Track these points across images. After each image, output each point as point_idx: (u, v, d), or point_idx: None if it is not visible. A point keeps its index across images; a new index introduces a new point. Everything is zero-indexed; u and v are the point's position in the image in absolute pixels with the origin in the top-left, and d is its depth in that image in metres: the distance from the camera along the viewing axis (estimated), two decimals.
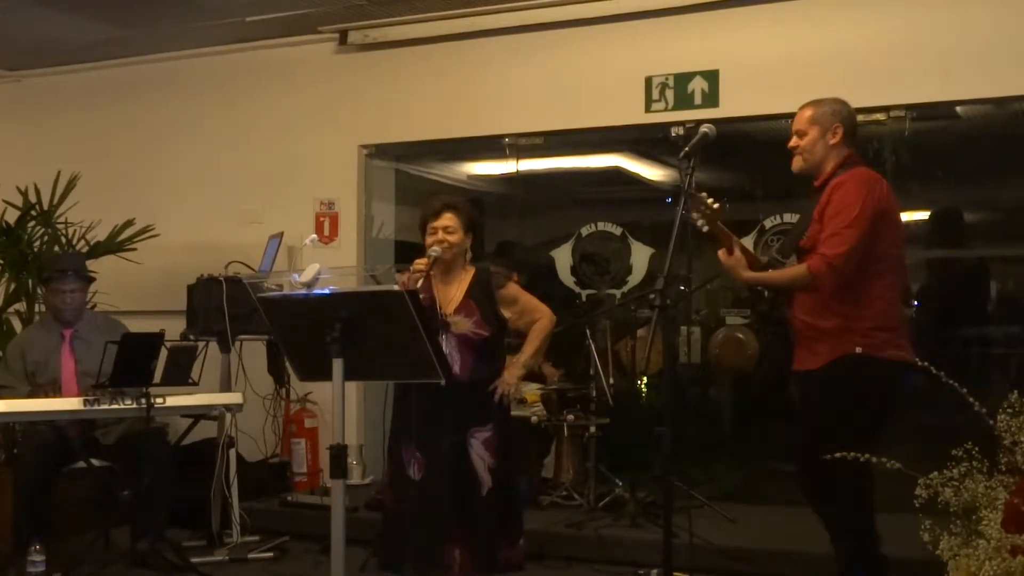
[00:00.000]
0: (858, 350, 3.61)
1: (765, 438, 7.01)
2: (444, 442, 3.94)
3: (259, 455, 6.43)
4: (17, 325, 6.24)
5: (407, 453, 4.03)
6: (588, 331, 6.08)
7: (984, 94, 5.66)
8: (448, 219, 4.04)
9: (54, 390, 5.11)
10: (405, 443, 4.05)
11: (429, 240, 4.05)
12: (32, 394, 5.02)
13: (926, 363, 3.31)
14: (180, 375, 5.08)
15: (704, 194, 3.68)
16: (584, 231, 7.01)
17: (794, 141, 3.89)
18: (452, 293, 4.06)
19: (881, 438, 3.57)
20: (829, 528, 3.79)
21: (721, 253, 3.84)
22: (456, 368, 3.92)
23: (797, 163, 3.89)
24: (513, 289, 4.17)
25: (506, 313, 4.10)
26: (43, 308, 6.16)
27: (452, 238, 4.03)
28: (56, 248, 6.25)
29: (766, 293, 4.02)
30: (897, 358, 3.65)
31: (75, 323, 5.35)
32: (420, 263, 3.97)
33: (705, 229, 3.73)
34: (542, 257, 7.21)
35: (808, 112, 3.87)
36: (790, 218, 6.29)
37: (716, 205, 3.68)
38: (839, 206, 3.66)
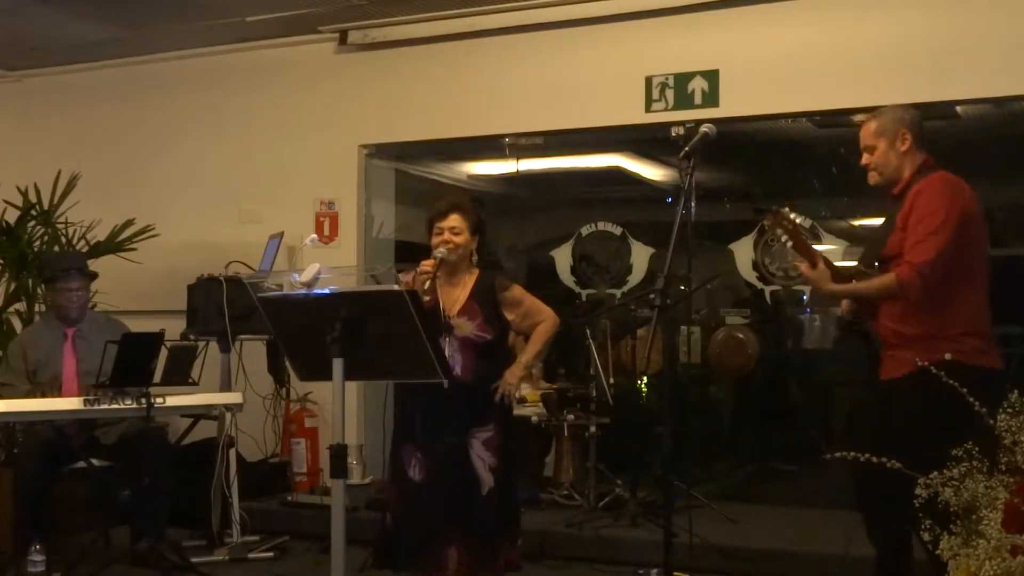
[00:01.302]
0: (948, 356, 3.48)
1: (765, 438, 7.02)
2: (445, 443, 3.94)
3: (259, 455, 6.42)
4: (17, 325, 6.24)
5: (407, 453, 4.03)
6: (588, 331, 6.08)
7: (984, 94, 5.65)
8: (455, 220, 4.04)
9: (55, 389, 5.11)
10: (406, 443, 4.06)
11: (435, 241, 4.05)
12: (31, 393, 5.01)
13: (925, 363, 3.29)
14: (180, 375, 5.09)
15: (787, 209, 3.61)
16: (584, 231, 7.01)
17: (865, 159, 3.79)
18: (456, 295, 4.06)
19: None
20: (876, 535, 3.70)
21: (804, 267, 3.75)
22: (458, 370, 3.92)
23: (873, 178, 3.80)
24: (517, 292, 4.16)
25: (509, 316, 4.09)
26: (43, 308, 6.17)
27: (458, 239, 4.02)
28: (56, 248, 6.25)
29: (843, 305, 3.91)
30: (988, 364, 3.57)
31: (79, 322, 5.35)
32: (427, 265, 3.97)
33: (789, 245, 3.66)
34: (542, 257, 7.21)
35: (872, 125, 3.78)
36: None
37: (799, 220, 3.63)
38: (923, 212, 3.58)
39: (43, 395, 4.97)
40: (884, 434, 3.61)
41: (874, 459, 2.88)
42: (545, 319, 4.15)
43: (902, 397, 3.64)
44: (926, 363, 3.38)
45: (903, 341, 3.64)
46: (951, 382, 3.00)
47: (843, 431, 6.81)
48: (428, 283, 3.89)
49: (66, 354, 5.27)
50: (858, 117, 3.85)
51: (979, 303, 3.66)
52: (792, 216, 3.63)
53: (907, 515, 3.45)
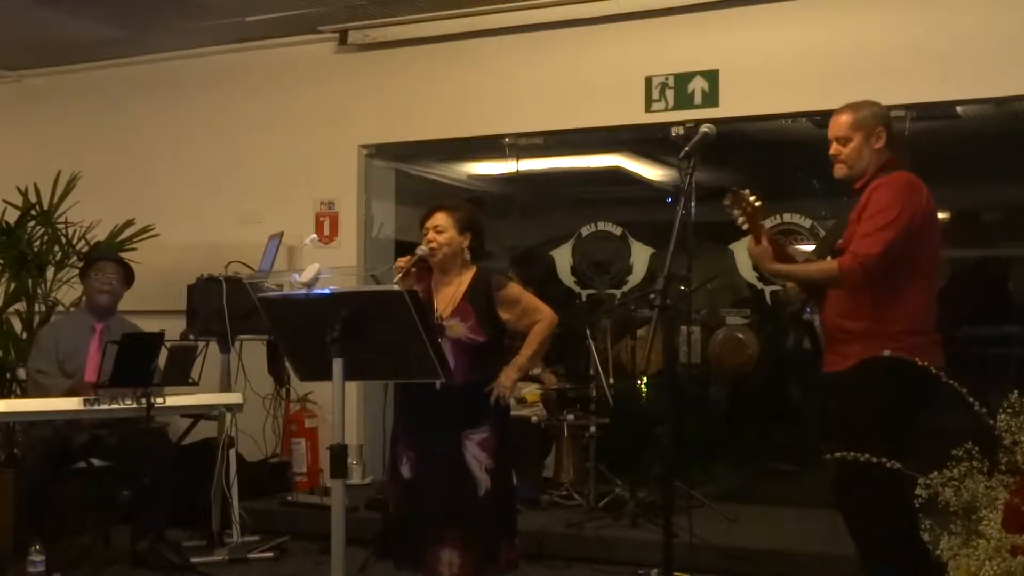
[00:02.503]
0: (887, 353, 3.54)
1: (765, 438, 7.02)
2: (437, 444, 3.93)
3: (259, 455, 6.43)
4: (17, 325, 6.25)
5: (401, 451, 4.04)
6: (588, 331, 6.08)
7: (984, 94, 5.66)
8: (439, 219, 4.02)
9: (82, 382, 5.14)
10: (400, 440, 4.07)
11: (424, 240, 4.06)
12: (72, 390, 5.03)
13: (926, 363, 3.29)
14: (180, 375, 5.09)
15: (747, 191, 3.63)
16: (584, 231, 7.01)
17: (835, 148, 3.79)
18: (450, 294, 4.04)
19: (912, 443, 3.50)
20: (852, 531, 3.72)
21: (749, 242, 3.79)
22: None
23: (840, 171, 3.80)
24: (515, 290, 4.11)
25: (506, 315, 4.04)
26: (43, 308, 6.18)
27: (441, 238, 4.00)
28: (56, 248, 6.26)
29: (785, 292, 3.97)
30: (927, 362, 3.56)
31: (109, 316, 5.43)
32: (402, 261, 3.98)
33: (745, 227, 3.68)
34: (542, 257, 7.20)
35: (847, 118, 3.77)
36: (790, 218, 6.29)
37: (759, 203, 3.63)
38: (877, 207, 3.60)
39: (76, 393, 4.97)
40: (826, 427, 3.72)
41: (873, 459, 2.88)
42: (542, 318, 4.09)
43: (841, 391, 3.70)
44: (866, 359, 3.53)
45: (846, 335, 3.69)
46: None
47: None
48: (399, 278, 3.86)
49: (92, 349, 5.31)
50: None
51: (925, 303, 3.68)
52: (752, 199, 3.63)
53: (870, 510, 3.53)
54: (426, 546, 3.90)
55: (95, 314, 5.45)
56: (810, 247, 5.46)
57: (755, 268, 5.01)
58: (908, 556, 3.50)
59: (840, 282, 3.63)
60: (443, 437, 3.93)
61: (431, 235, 4.01)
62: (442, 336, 3.93)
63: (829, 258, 3.77)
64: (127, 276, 5.53)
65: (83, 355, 5.30)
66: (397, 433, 4.12)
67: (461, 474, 3.92)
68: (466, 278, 4.06)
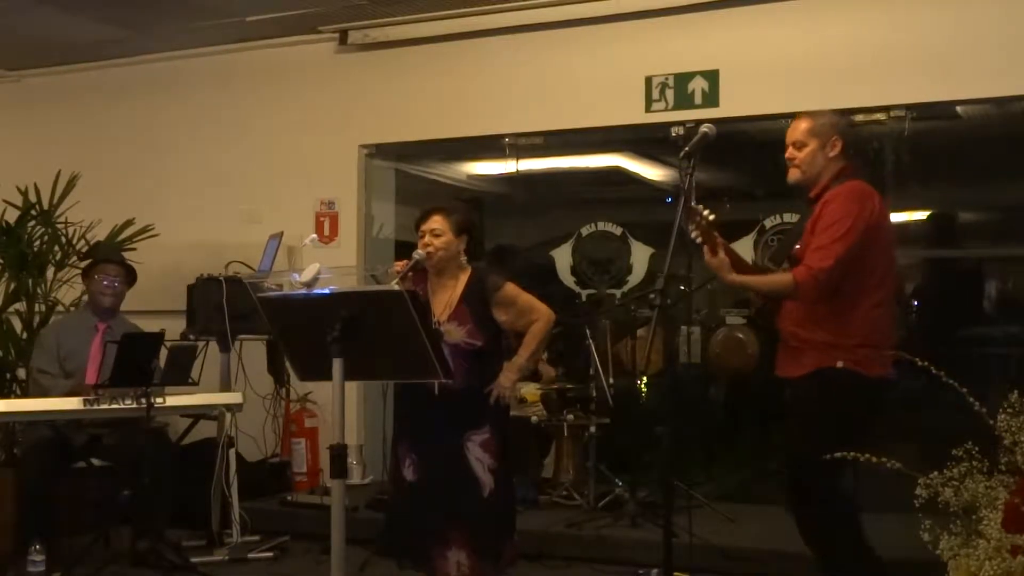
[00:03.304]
0: (839, 364, 3.63)
1: (765, 438, 7.01)
2: (439, 447, 3.93)
3: (259, 455, 6.43)
4: (17, 325, 6.24)
5: (402, 452, 4.03)
6: (588, 331, 6.08)
7: (984, 94, 5.66)
8: (435, 222, 4.01)
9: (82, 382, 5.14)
10: (401, 442, 4.06)
11: (420, 244, 4.05)
12: (74, 389, 5.03)
13: (926, 363, 3.31)
14: (180, 375, 5.09)
15: (701, 206, 3.66)
16: (584, 231, 7.01)
17: (790, 152, 3.87)
18: (446, 297, 4.03)
19: (865, 448, 3.58)
20: (802, 530, 3.81)
21: (706, 253, 3.81)
22: None
23: (794, 175, 3.87)
24: (511, 290, 4.09)
25: (503, 316, 4.03)
26: (43, 308, 6.17)
27: (438, 241, 3.99)
28: (56, 248, 6.26)
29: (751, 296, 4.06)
30: (878, 374, 3.68)
31: (111, 317, 5.44)
32: (399, 265, 3.98)
33: (699, 241, 3.71)
34: (542, 257, 7.20)
35: (805, 124, 3.85)
36: (790, 218, 6.29)
37: (712, 217, 3.66)
38: (829, 220, 3.66)
39: (76, 393, 4.97)
40: (787, 434, 3.85)
41: (873, 459, 2.89)
42: (539, 317, 4.08)
43: (797, 399, 3.82)
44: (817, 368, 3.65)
45: (801, 344, 3.76)
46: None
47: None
48: (396, 282, 3.85)
49: (94, 349, 5.31)
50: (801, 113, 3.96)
51: (879, 314, 3.73)
52: (706, 212, 3.65)
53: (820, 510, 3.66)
54: (433, 548, 3.90)
55: (98, 314, 5.46)
56: None
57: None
58: (864, 556, 3.60)
59: (794, 294, 3.69)
60: (445, 439, 3.93)
61: (427, 239, 4.00)
62: (440, 341, 3.92)
63: (785, 265, 3.83)
64: (130, 277, 5.55)
65: (85, 355, 5.30)
66: (396, 433, 4.13)
67: (465, 475, 3.93)
68: (462, 280, 4.06)
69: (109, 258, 5.59)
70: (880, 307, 3.73)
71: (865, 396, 3.67)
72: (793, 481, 3.80)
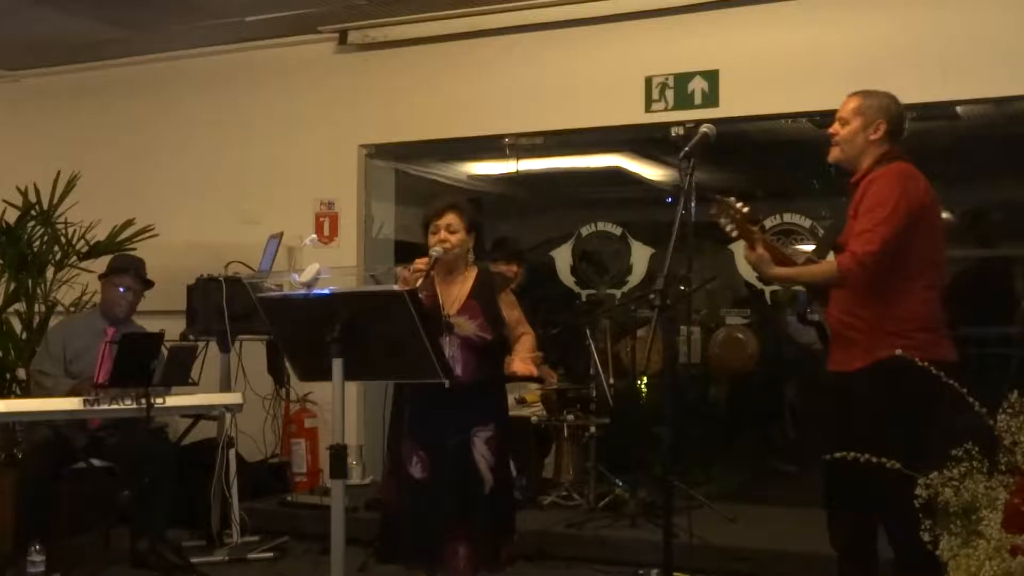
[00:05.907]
0: (898, 352, 3.33)
1: (765, 438, 7.02)
2: (449, 442, 3.94)
3: (259, 455, 6.43)
4: (17, 325, 6.24)
5: (407, 450, 4.03)
6: (588, 331, 6.08)
7: (984, 94, 5.65)
8: (451, 218, 4.03)
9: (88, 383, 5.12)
10: (405, 440, 4.06)
11: (432, 240, 4.04)
12: (74, 390, 5.02)
13: (926, 363, 3.28)
14: (180, 375, 5.09)
15: (733, 199, 3.57)
16: (584, 231, 7.01)
17: (834, 128, 3.75)
18: (455, 293, 4.06)
19: (932, 442, 3.38)
20: (837, 530, 3.69)
21: (745, 250, 3.72)
22: (458, 369, 3.90)
23: (834, 153, 3.76)
24: (512, 296, 4.19)
25: (506, 313, 4.11)
26: (43, 308, 6.17)
27: (454, 238, 4.01)
28: (56, 248, 6.26)
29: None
30: (940, 358, 3.41)
31: (122, 324, 5.42)
32: (420, 263, 3.96)
33: (734, 235, 3.62)
34: (542, 257, 7.21)
35: (854, 103, 3.73)
36: (790, 218, 6.29)
37: (746, 209, 3.57)
38: (873, 202, 3.54)
39: (77, 394, 4.96)
40: (842, 430, 3.58)
41: (874, 459, 2.88)
42: (529, 332, 4.16)
43: (858, 394, 3.61)
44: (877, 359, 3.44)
45: (853, 332, 3.62)
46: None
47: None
48: (421, 280, 3.87)
49: (104, 351, 5.28)
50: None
51: (930, 298, 3.61)
52: (739, 205, 3.57)
53: (882, 513, 3.48)
54: (444, 543, 3.91)
55: (108, 318, 5.44)
56: (810, 247, 5.48)
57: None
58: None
59: (841, 282, 3.59)
60: (454, 435, 3.95)
61: (444, 234, 4.00)
62: (450, 334, 3.94)
63: (831, 255, 3.72)
64: (143, 285, 5.55)
65: (91, 357, 5.25)
66: (400, 433, 4.11)
67: (469, 472, 3.94)
68: (470, 276, 4.09)
69: (130, 268, 5.53)
70: (931, 289, 3.60)
71: (930, 383, 3.15)
72: (838, 483, 3.57)
